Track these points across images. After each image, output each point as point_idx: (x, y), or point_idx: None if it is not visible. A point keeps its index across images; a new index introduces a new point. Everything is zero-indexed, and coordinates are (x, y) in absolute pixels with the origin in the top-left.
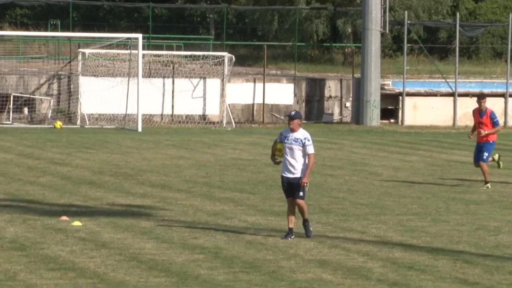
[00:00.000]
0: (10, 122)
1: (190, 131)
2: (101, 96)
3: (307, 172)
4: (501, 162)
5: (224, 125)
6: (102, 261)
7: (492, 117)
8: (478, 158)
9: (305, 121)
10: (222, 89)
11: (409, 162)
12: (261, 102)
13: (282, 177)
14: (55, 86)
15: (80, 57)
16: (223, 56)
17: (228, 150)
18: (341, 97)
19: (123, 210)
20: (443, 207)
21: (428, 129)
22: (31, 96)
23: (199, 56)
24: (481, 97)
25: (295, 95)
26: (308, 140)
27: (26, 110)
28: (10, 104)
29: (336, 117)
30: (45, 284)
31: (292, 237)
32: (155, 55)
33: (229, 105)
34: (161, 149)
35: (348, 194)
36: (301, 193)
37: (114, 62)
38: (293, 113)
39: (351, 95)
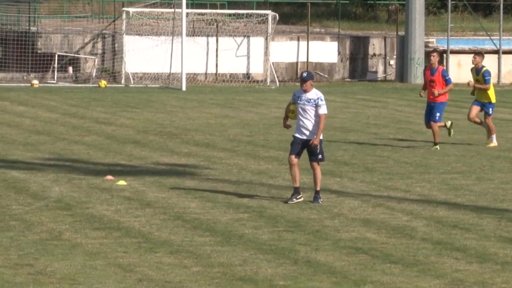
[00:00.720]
0: (55, 81)
1: (234, 89)
2: (145, 55)
3: (318, 133)
4: (452, 130)
5: (268, 83)
6: (147, 220)
7: (444, 74)
8: (429, 118)
9: (349, 79)
10: (266, 48)
11: (453, 119)
12: (305, 60)
13: (295, 137)
14: (99, 45)
15: (124, 16)
16: (267, 14)
17: (272, 109)
18: (385, 55)
19: (168, 169)
20: (487, 165)
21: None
22: (76, 55)
23: (243, 14)
24: (433, 52)
25: (339, 53)
26: (321, 100)
27: (70, 69)
28: (55, 63)
29: (380, 75)
30: (90, 244)
31: (299, 196)
32: (199, 14)
33: (273, 63)
34: (205, 108)
35: (392, 153)
36: (319, 156)
37: (158, 21)
38: (305, 74)
39: (395, 53)
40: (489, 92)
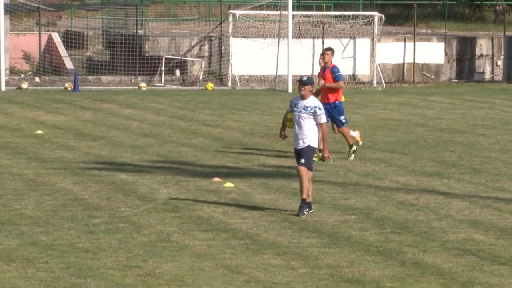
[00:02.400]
0: (162, 84)
1: None
2: (252, 57)
3: (324, 145)
4: (352, 157)
5: (374, 85)
6: (254, 222)
7: (334, 71)
8: (336, 125)
9: (455, 80)
10: (372, 49)
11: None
12: (412, 61)
13: (295, 149)
14: (206, 47)
15: (230, 18)
16: (373, 16)
17: (378, 110)
18: (492, 55)
19: (275, 171)
20: None
21: None
22: (183, 58)
23: (349, 16)
24: (326, 49)
25: (445, 54)
26: (320, 109)
27: (177, 72)
28: (162, 66)
29: (488, 75)
30: (198, 245)
31: (310, 211)
32: (305, 16)
33: (379, 64)
34: None
35: (500, 154)
36: (302, 160)
37: (264, 23)
38: (305, 78)
39: (502, 54)
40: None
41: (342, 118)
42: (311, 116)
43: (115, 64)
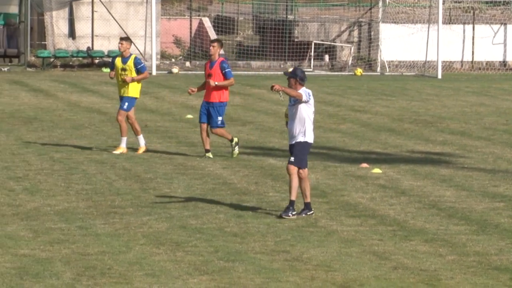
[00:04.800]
0: (311, 69)
1: (490, 77)
2: (401, 43)
3: (287, 89)
4: (236, 151)
5: None
6: (402, 208)
7: (224, 66)
8: (210, 124)
9: None
10: None
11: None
12: None
13: (289, 146)
14: (355, 33)
15: (380, 4)
16: None
17: None
18: None
19: (423, 158)
20: None
21: None
22: (332, 43)
23: (500, 1)
24: (212, 41)
25: None
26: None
27: (327, 57)
28: (311, 51)
29: None
30: (345, 231)
31: (309, 213)
32: (455, 1)
33: None
34: (460, 96)
35: None
36: (291, 158)
37: (414, 8)
38: (290, 70)
39: None
40: (137, 84)
41: (219, 119)
42: (300, 108)
43: (265, 49)
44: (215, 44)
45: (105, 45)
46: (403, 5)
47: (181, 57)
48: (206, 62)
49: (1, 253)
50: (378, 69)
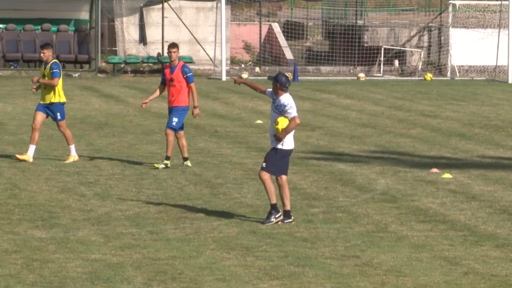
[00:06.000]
0: (380, 75)
1: None
2: (471, 47)
3: (284, 133)
4: (160, 166)
5: None
6: (473, 213)
7: (186, 71)
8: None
9: None
10: None
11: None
12: None
13: None
14: (425, 38)
15: (450, 8)
16: None
17: None
18: None
19: (493, 163)
20: None
21: None
22: (402, 48)
23: None
24: (171, 46)
25: None
26: (291, 108)
27: (396, 62)
28: (381, 56)
29: None
30: (416, 236)
31: (288, 221)
32: None
33: None
34: None
35: None
36: (263, 164)
37: (484, 13)
38: (273, 75)
39: None
40: (57, 88)
41: (175, 120)
42: (280, 115)
43: (334, 55)
44: (175, 49)
45: None
46: (473, 10)
47: (250, 62)
48: (165, 67)
49: (72, 258)
50: (448, 74)
